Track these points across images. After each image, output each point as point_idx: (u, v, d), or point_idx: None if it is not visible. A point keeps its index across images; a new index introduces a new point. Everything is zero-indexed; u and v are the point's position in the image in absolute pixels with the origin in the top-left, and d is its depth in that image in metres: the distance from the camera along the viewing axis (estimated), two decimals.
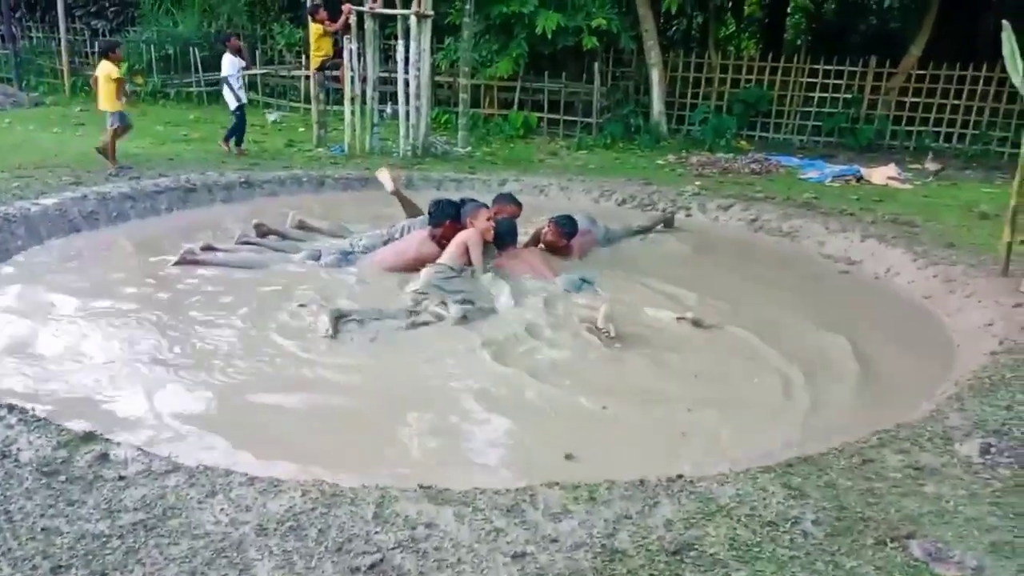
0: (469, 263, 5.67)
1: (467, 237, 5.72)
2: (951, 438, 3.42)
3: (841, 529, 2.76)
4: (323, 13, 11.15)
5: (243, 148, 10.61)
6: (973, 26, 15.51)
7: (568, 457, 3.49)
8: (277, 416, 3.76)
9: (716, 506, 2.87)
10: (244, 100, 10.73)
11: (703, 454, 3.53)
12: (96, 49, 17.10)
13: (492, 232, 5.90)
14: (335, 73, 10.99)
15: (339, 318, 4.76)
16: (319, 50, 11.33)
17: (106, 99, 8.79)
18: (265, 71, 15.72)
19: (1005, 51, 5.88)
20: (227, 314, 4.96)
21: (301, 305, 5.05)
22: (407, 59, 10.72)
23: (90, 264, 5.82)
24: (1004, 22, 5.86)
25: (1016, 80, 5.77)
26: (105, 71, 8.78)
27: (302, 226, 6.82)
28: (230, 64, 10.37)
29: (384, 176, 7.05)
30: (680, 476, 3.04)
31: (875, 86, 13.86)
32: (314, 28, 11.28)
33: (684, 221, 8.29)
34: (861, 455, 3.25)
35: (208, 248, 5.92)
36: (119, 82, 8.89)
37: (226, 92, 10.52)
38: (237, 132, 10.55)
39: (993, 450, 3.30)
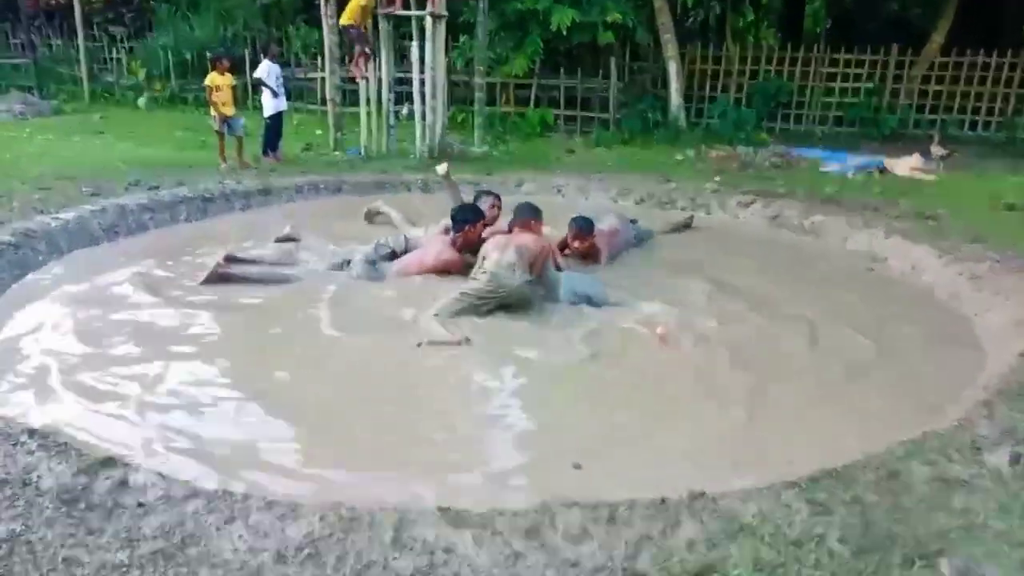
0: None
1: (548, 250, 5.68)
2: (980, 447, 3.34)
3: (868, 547, 2.71)
4: None
5: (279, 154, 10.65)
6: (997, 11, 15.22)
7: (576, 467, 3.45)
8: (293, 432, 3.74)
9: (739, 525, 2.81)
10: (284, 107, 10.76)
11: (724, 466, 3.46)
12: (114, 55, 17.32)
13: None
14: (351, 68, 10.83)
15: None
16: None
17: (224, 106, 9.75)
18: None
19: None
20: (248, 332, 4.94)
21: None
22: (422, 59, 10.70)
23: (111, 281, 5.80)
24: None
25: None
26: (208, 80, 9.84)
27: (291, 239, 6.76)
28: (267, 68, 10.40)
29: (443, 167, 7.46)
30: (703, 493, 2.99)
31: (897, 74, 13.66)
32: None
33: (704, 219, 8.21)
34: (887, 467, 3.18)
35: (231, 259, 5.91)
36: (213, 90, 9.75)
37: (264, 97, 10.57)
38: (270, 141, 10.57)
39: (1023, 460, 3.22)
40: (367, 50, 10.79)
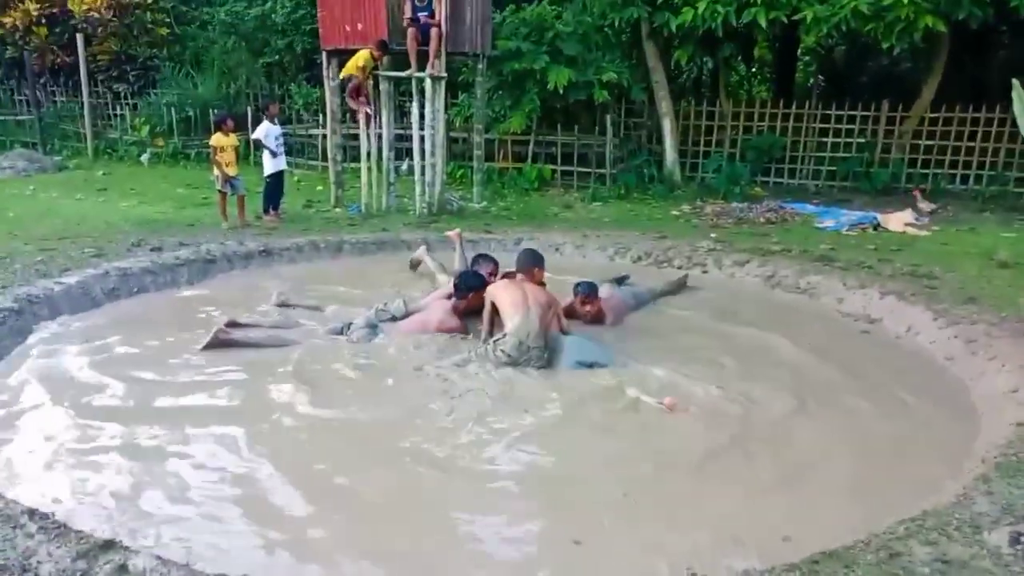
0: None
1: (557, 308, 5.90)
2: (979, 526, 3.35)
3: None
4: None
5: (280, 212, 10.77)
6: (984, 67, 15.54)
7: (576, 543, 3.45)
8: (294, 516, 3.73)
9: None
10: (283, 166, 10.88)
11: (721, 546, 3.46)
12: (118, 112, 17.57)
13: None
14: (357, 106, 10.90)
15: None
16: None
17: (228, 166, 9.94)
18: (283, 131, 15.97)
19: (1016, 109, 5.90)
20: (251, 406, 4.93)
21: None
22: (422, 116, 10.89)
23: (110, 349, 5.82)
24: (1014, 81, 5.87)
25: None
26: (213, 141, 10.01)
27: (284, 304, 6.86)
28: (265, 129, 10.54)
29: (454, 232, 8.23)
30: None
31: (888, 129, 13.87)
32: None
33: (701, 278, 8.27)
34: (888, 548, 3.19)
35: (233, 324, 5.95)
36: (218, 150, 9.92)
37: (264, 157, 10.70)
38: (270, 199, 10.70)
39: (1023, 539, 3.22)
40: (367, 108, 10.90)
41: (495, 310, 5.75)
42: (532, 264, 6.23)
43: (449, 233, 8.34)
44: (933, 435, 4.64)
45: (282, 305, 6.82)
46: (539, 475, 4.16)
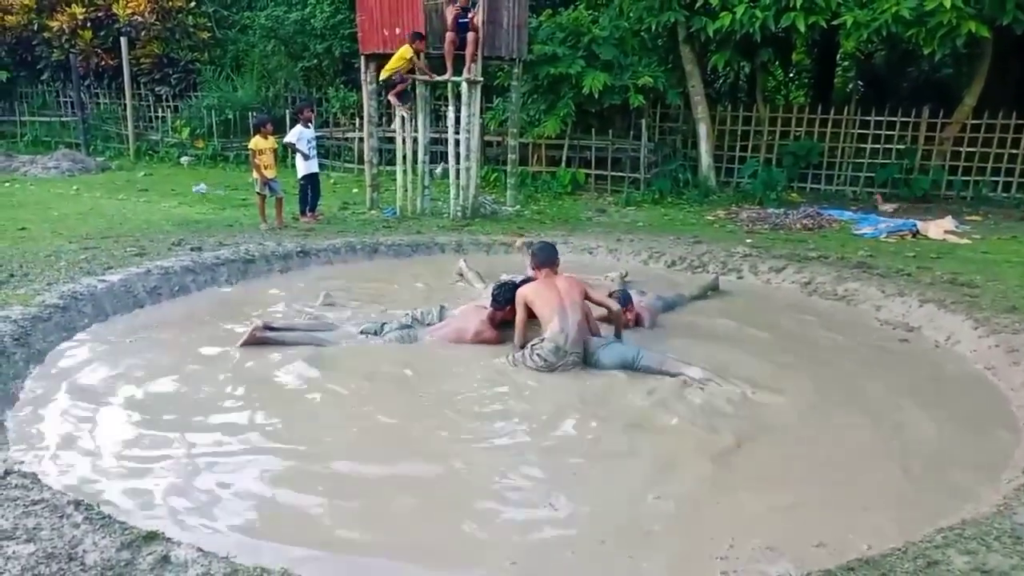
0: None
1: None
2: (1020, 536, 3.30)
3: None
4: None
5: (318, 214, 10.92)
6: None
7: (602, 542, 3.46)
8: (335, 509, 3.78)
9: None
10: (315, 169, 11.00)
11: (756, 551, 3.43)
12: (159, 114, 17.93)
13: None
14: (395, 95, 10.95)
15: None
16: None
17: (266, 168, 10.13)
18: (320, 134, 16.20)
19: None
20: (290, 402, 5.01)
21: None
22: (457, 120, 10.97)
23: (152, 346, 5.97)
24: None
25: None
26: (252, 144, 10.21)
27: (330, 304, 6.97)
28: (297, 133, 10.69)
29: (461, 264, 8.22)
30: None
31: (928, 136, 13.67)
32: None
33: (736, 284, 8.23)
34: (926, 557, 3.15)
35: (269, 327, 6.05)
36: (256, 153, 10.09)
37: (297, 160, 10.85)
38: (303, 202, 10.85)
39: None
40: (404, 109, 10.98)
41: (530, 313, 5.74)
42: (556, 259, 6.00)
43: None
44: (972, 445, 4.56)
45: (328, 305, 6.94)
46: (570, 477, 4.17)
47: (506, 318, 6.01)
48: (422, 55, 10.74)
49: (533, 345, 5.48)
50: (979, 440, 4.64)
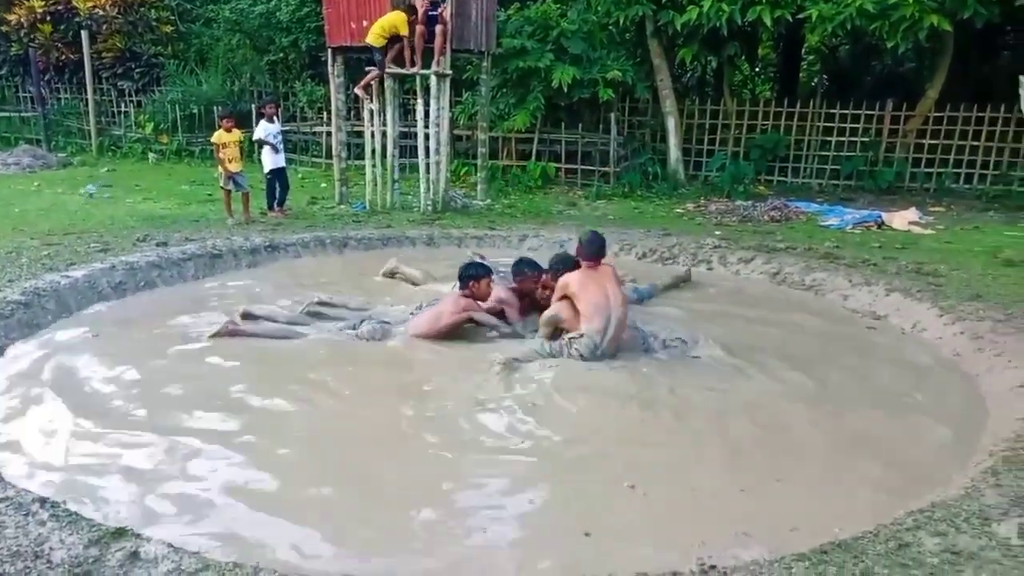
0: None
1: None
2: (988, 517, 3.36)
3: None
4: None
5: (286, 209, 10.81)
6: (989, 66, 15.52)
7: (587, 535, 3.47)
8: (305, 503, 3.74)
9: None
10: (282, 163, 10.86)
11: (731, 537, 3.46)
12: (122, 109, 17.60)
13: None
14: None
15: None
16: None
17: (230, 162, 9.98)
18: (287, 128, 16.02)
19: (1022, 105, 5.90)
20: (259, 397, 4.94)
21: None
22: (427, 114, 10.90)
23: (117, 341, 5.86)
24: (1021, 78, 5.88)
25: None
26: (214, 138, 10.06)
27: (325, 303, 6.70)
28: (263, 129, 10.56)
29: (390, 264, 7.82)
30: (713, 567, 3.00)
31: (892, 128, 13.87)
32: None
33: (706, 275, 8.28)
34: (897, 539, 3.19)
35: (248, 316, 5.96)
36: (219, 147, 9.93)
37: (264, 154, 10.70)
38: (271, 196, 10.73)
39: None
40: (369, 101, 10.85)
41: (570, 304, 5.48)
42: (600, 254, 5.64)
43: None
44: (940, 429, 4.63)
45: (322, 304, 6.63)
46: (551, 464, 4.18)
47: (475, 296, 5.93)
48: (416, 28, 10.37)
49: (572, 339, 5.36)
50: (947, 424, 4.70)
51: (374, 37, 10.28)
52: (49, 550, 3.00)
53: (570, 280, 5.52)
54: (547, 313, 5.65)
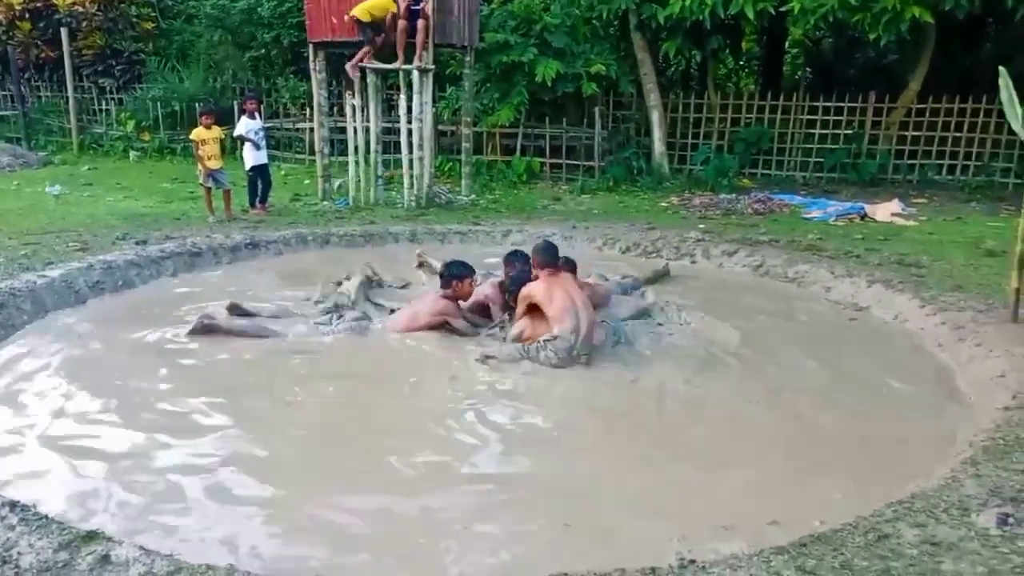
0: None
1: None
2: (967, 508, 3.35)
3: None
4: None
5: (268, 206, 10.72)
6: (971, 57, 15.57)
7: (566, 525, 3.45)
8: (278, 504, 3.69)
9: None
10: (264, 160, 10.76)
11: (710, 531, 3.44)
12: (103, 106, 17.43)
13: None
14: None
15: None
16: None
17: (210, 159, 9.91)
18: (270, 124, 15.90)
19: (1003, 97, 5.90)
20: (234, 396, 4.88)
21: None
22: (410, 110, 10.84)
23: (94, 342, 5.77)
24: (1001, 68, 5.87)
25: (1016, 126, 5.78)
26: (194, 134, 9.95)
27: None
28: (244, 125, 10.47)
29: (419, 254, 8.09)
30: (692, 562, 2.98)
31: (875, 121, 13.91)
32: None
33: (690, 268, 8.28)
34: (877, 531, 3.18)
35: (235, 307, 5.94)
36: (199, 144, 9.83)
37: (245, 151, 10.60)
38: (253, 193, 10.64)
39: (1011, 521, 3.23)
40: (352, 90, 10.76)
41: (535, 310, 5.46)
42: (554, 261, 5.65)
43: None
44: (921, 419, 4.64)
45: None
46: (530, 457, 4.16)
47: (457, 295, 5.93)
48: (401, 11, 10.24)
49: (547, 341, 5.28)
50: (928, 415, 4.72)
51: (362, 11, 10.15)
52: (17, 555, 2.95)
53: (533, 290, 5.49)
54: (513, 331, 5.62)
